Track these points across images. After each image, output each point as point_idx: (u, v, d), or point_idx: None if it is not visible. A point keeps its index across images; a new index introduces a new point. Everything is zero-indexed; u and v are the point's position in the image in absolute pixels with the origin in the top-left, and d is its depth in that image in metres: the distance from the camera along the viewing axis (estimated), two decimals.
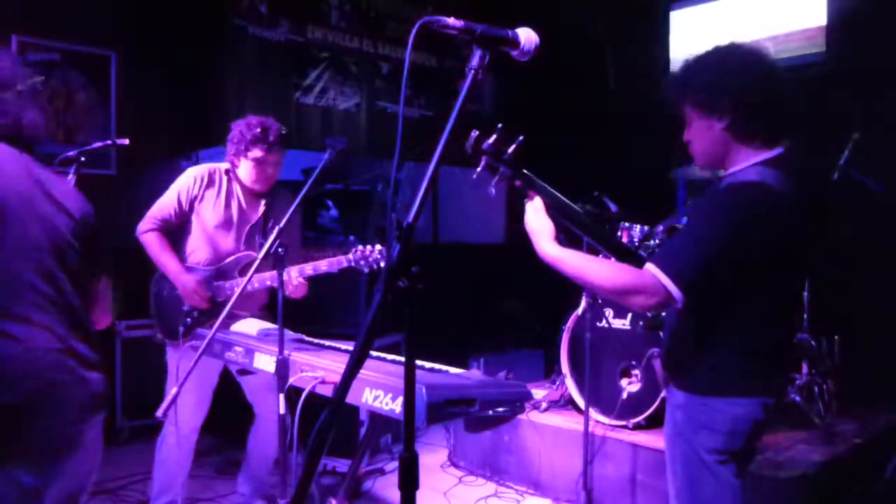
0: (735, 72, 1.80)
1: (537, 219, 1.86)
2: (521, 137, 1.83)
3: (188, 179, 3.13)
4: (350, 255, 2.82)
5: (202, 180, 3.13)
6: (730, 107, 1.79)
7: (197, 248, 3.13)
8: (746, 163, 1.81)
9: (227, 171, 3.18)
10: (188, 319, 3.09)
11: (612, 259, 1.92)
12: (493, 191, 1.85)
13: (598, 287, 1.82)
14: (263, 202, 3.21)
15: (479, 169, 1.84)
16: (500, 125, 1.84)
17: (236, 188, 3.18)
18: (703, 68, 1.85)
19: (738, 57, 1.83)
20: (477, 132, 1.81)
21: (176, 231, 3.14)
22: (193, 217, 3.12)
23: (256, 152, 3.06)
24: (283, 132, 3.15)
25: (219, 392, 3.25)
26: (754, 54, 1.84)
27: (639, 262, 1.81)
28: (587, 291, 3.44)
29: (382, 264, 2.82)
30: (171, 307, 3.12)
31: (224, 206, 3.14)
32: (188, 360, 2.46)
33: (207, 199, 3.12)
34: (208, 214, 3.12)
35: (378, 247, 2.82)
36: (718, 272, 1.72)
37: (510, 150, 1.82)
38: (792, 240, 1.79)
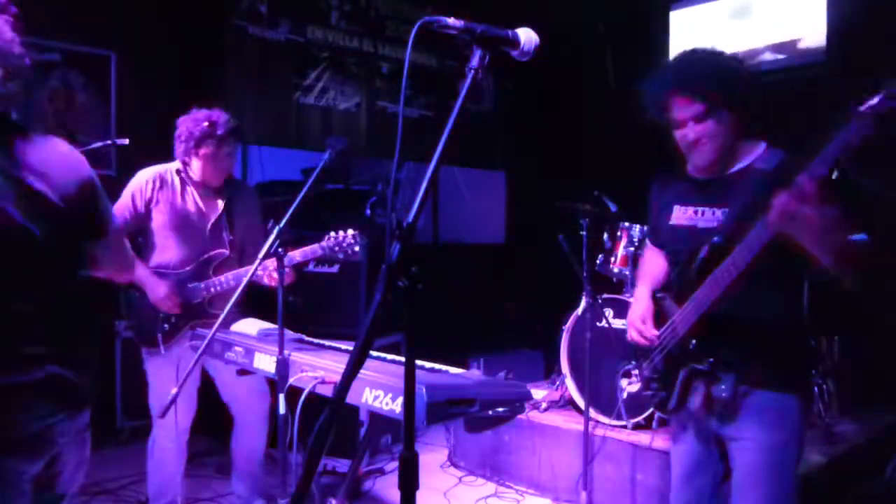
0: (740, 68, 2.00)
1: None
2: None
3: (139, 182, 3.07)
4: (323, 243, 2.79)
5: (154, 182, 3.07)
6: (741, 99, 1.94)
7: (162, 251, 3.07)
8: (757, 151, 1.99)
9: (177, 171, 3.11)
10: (165, 325, 3.03)
11: None
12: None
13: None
14: (222, 197, 3.15)
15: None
16: None
17: (190, 187, 3.11)
18: (713, 65, 1.97)
19: (733, 57, 2.03)
20: None
21: (137, 237, 3.09)
22: (151, 220, 3.06)
23: (207, 148, 3.00)
24: (233, 123, 3.04)
25: (217, 392, 3.24)
26: (740, 57, 2.07)
27: None
28: (587, 287, 3.42)
29: (357, 249, 2.79)
30: (147, 313, 3.04)
31: (180, 207, 3.08)
32: (187, 361, 2.46)
33: (162, 202, 3.06)
34: (166, 216, 3.06)
35: (350, 231, 2.78)
36: None
37: None
38: None
